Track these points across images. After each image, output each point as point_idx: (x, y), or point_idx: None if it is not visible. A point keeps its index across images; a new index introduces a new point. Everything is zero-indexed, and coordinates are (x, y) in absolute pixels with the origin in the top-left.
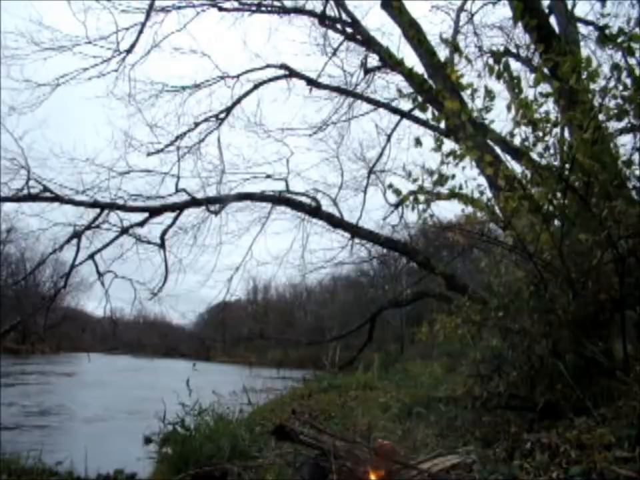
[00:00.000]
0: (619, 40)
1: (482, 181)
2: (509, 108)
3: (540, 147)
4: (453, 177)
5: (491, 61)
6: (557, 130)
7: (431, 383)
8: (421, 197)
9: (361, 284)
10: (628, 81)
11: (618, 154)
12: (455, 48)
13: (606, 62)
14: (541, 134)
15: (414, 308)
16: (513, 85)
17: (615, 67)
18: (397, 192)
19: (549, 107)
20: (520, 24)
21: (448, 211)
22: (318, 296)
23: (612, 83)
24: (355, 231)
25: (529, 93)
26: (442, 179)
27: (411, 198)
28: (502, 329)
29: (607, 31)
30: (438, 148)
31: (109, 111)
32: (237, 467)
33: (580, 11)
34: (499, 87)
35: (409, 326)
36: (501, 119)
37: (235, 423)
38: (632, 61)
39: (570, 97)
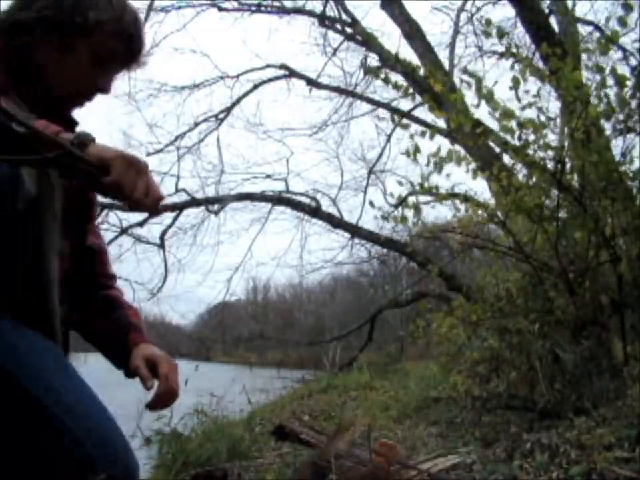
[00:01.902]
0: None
1: (479, 181)
2: (492, 116)
3: (531, 150)
4: (437, 189)
5: (464, 76)
6: (545, 131)
7: (430, 383)
8: (409, 212)
9: (361, 284)
10: (611, 81)
11: (609, 154)
12: (430, 74)
13: (598, 62)
14: (530, 137)
15: (414, 308)
16: (486, 97)
17: (598, 68)
18: (384, 217)
19: (537, 109)
20: (520, 24)
21: (447, 211)
22: (318, 296)
23: (595, 85)
24: (355, 231)
25: (516, 94)
26: (432, 189)
27: (398, 212)
28: (500, 330)
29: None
30: (414, 158)
31: (108, 110)
32: (237, 468)
33: (580, 11)
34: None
35: (408, 326)
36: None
37: (235, 423)
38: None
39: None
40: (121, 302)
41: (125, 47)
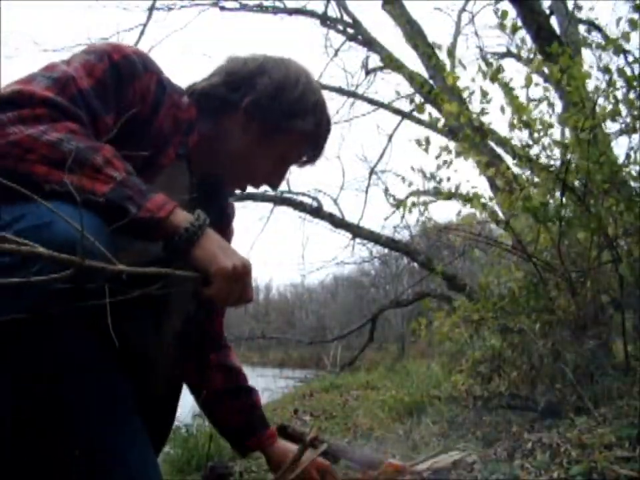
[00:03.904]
0: (604, 42)
1: (481, 181)
2: (502, 110)
3: (537, 149)
4: (448, 179)
5: (484, 65)
6: (552, 130)
7: (431, 383)
8: (418, 200)
9: (362, 284)
10: (620, 82)
11: (613, 154)
12: (448, 53)
13: (607, 63)
14: (536, 135)
15: (415, 307)
16: (505, 88)
17: (606, 69)
18: (395, 199)
19: (544, 108)
20: (520, 24)
21: (448, 211)
22: (319, 296)
23: (604, 84)
24: (356, 231)
25: (527, 93)
26: (439, 182)
27: (409, 202)
28: (501, 329)
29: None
30: (425, 151)
31: None
32: (239, 466)
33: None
34: (497, 87)
35: (409, 326)
36: (500, 119)
37: None
38: (621, 61)
39: (564, 98)
40: (247, 381)
41: (312, 153)
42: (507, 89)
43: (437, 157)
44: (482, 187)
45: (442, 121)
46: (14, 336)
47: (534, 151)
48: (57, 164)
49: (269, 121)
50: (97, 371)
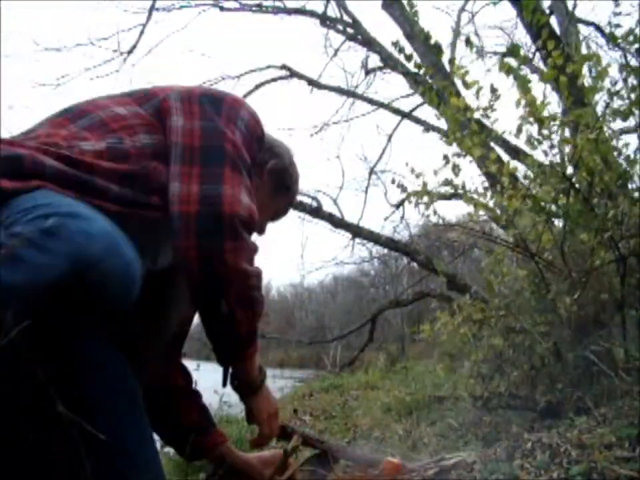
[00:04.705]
0: (629, 40)
1: (481, 180)
2: (517, 104)
3: (545, 145)
4: (460, 169)
5: (494, 59)
6: (561, 128)
7: (431, 383)
8: (425, 198)
9: (362, 284)
10: (635, 82)
11: (621, 153)
12: (466, 42)
13: (613, 62)
14: (547, 132)
15: (415, 307)
16: (522, 81)
17: (623, 68)
18: (403, 187)
19: (555, 106)
20: (520, 24)
21: (448, 212)
22: (319, 296)
23: (619, 84)
24: (356, 231)
25: (534, 90)
26: (455, 170)
27: (414, 196)
28: (503, 328)
29: (611, 32)
30: (447, 141)
31: None
32: None
33: (581, 11)
34: (500, 85)
35: (409, 325)
36: (500, 118)
37: (237, 423)
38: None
39: (577, 95)
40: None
41: (289, 208)
42: (523, 81)
43: (457, 143)
44: (481, 186)
45: (447, 115)
46: (34, 338)
47: (543, 147)
48: (247, 308)
49: (285, 183)
50: (113, 369)
